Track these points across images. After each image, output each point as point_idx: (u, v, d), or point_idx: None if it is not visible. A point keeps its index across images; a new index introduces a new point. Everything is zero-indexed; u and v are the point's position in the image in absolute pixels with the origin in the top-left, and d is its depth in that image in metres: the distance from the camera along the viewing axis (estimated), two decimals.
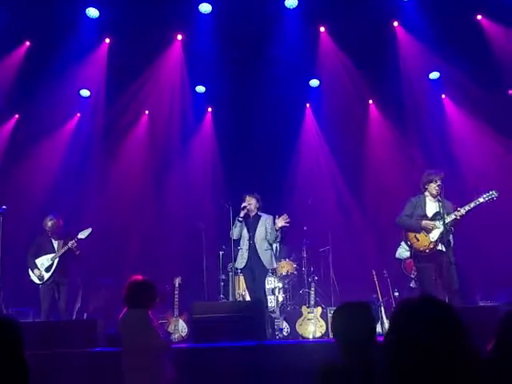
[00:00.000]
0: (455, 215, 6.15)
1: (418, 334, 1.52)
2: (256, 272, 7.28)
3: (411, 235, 6.38)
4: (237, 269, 7.63)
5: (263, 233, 7.38)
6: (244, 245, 7.38)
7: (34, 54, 8.82)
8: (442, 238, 6.17)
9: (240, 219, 7.34)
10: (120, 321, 4.23)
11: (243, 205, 7.36)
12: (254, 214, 7.48)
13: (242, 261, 7.36)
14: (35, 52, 8.82)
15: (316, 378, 2.47)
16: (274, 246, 8.11)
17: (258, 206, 7.49)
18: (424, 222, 6.25)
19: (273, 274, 8.45)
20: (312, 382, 2.49)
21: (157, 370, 4.03)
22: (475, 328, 1.62)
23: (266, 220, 7.46)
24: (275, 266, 7.73)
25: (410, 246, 6.44)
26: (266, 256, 7.31)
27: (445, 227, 6.09)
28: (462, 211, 6.13)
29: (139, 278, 4.28)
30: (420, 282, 6.71)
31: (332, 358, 2.67)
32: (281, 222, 7.41)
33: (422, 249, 6.29)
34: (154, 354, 4.04)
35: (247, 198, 7.47)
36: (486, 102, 8.92)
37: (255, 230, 7.38)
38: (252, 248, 7.32)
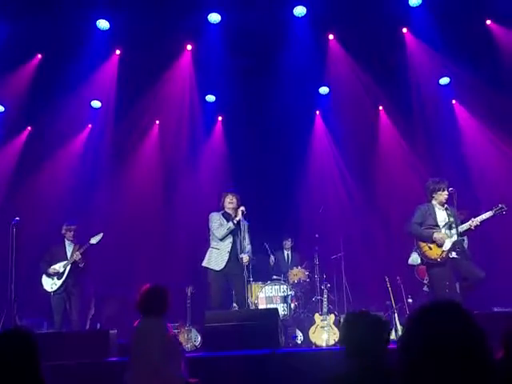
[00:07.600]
0: (469, 225, 6.19)
1: (432, 339, 1.51)
2: (235, 279, 7.00)
3: (423, 244, 6.37)
4: (216, 270, 6.95)
5: (247, 238, 7.17)
6: (225, 246, 7.00)
7: (45, 67, 8.91)
8: (454, 247, 6.21)
9: (235, 222, 6.97)
10: (136, 329, 4.21)
11: (242, 208, 7.00)
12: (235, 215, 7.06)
13: (220, 262, 6.94)
14: (47, 64, 8.91)
15: None
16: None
17: (237, 206, 7.14)
18: (436, 235, 6.26)
19: (285, 281, 8.45)
20: None
21: (166, 376, 4.02)
22: (489, 335, 1.61)
23: (246, 225, 7.20)
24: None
25: (423, 255, 6.42)
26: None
27: (458, 236, 6.16)
28: (476, 222, 6.16)
29: (154, 285, 4.27)
30: (433, 287, 6.68)
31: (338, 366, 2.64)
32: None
33: (434, 257, 6.28)
34: (166, 361, 4.02)
35: (233, 197, 7.07)
36: (497, 106, 8.89)
37: (241, 233, 7.07)
38: (234, 252, 7.00)
